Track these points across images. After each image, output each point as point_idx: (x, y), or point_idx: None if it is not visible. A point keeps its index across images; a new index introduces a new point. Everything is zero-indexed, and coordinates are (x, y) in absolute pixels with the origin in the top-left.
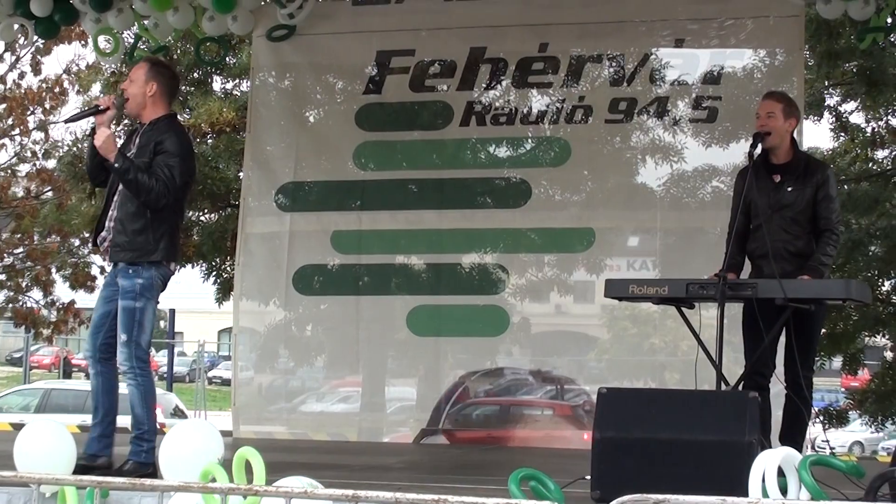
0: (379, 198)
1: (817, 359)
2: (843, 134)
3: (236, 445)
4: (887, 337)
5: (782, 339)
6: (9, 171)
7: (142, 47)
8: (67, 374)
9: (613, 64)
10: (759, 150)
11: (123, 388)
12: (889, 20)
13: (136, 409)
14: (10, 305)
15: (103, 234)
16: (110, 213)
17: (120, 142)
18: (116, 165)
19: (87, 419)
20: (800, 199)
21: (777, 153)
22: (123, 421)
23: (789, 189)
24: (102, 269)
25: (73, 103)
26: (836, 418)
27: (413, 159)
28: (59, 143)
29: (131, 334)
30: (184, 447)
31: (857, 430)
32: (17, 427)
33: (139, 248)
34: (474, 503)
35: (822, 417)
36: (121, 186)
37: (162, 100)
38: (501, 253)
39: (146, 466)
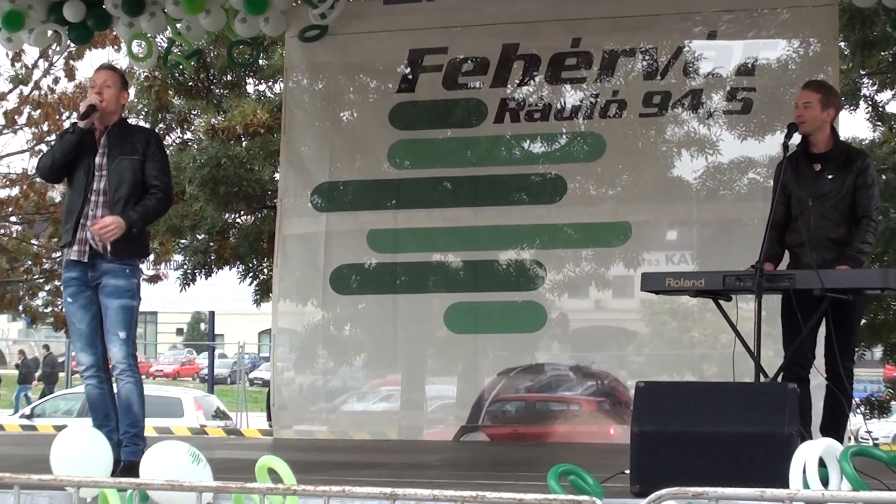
0: (414, 196)
1: (857, 349)
2: (879, 123)
3: (277, 446)
4: None
5: (822, 329)
6: None
7: (175, 51)
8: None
9: (646, 57)
10: (794, 140)
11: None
12: None
13: (134, 406)
14: (51, 309)
15: (79, 233)
16: (91, 212)
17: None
18: (134, 229)
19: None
20: (840, 187)
21: (817, 143)
22: None
23: (830, 177)
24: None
25: None
26: (877, 408)
27: (448, 157)
28: None
29: (129, 332)
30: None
31: None
32: (61, 430)
33: (141, 245)
34: (512, 499)
35: (863, 408)
36: (101, 185)
37: (122, 108)
38: (538, 249)
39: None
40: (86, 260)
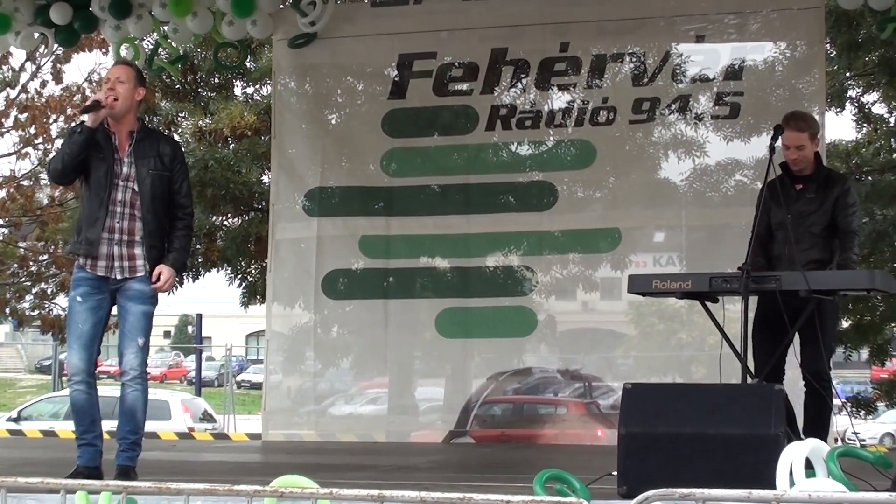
0: (407, 203)
1: (843, 351)
2: (865, 125)
3: (266, 448)
4: None
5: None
6: (32, 180)
7: (161, 55)
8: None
9: (634, 59)
10: (780, 142)
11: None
12: None
13: (138, 414)
14: (38, 312)
15: (104, 248)
16: (117, 224)
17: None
18: (182, 267)
19: (116, 425)
20: (819, 206)
21: (802, 168)
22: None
23: (810, 196)
24: None
25: None
26: (864, 408)
27: (440, 164)
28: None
29: (147, 338)
30: None
31: (889, 422)
32: (48, 434)
33: (161, 257)
34: (500, 501)
35: (849, 407)
36: (126, 195)
37: (138, 106)
38: (529, 255)
39: (134, 470)
40: (118, 277)
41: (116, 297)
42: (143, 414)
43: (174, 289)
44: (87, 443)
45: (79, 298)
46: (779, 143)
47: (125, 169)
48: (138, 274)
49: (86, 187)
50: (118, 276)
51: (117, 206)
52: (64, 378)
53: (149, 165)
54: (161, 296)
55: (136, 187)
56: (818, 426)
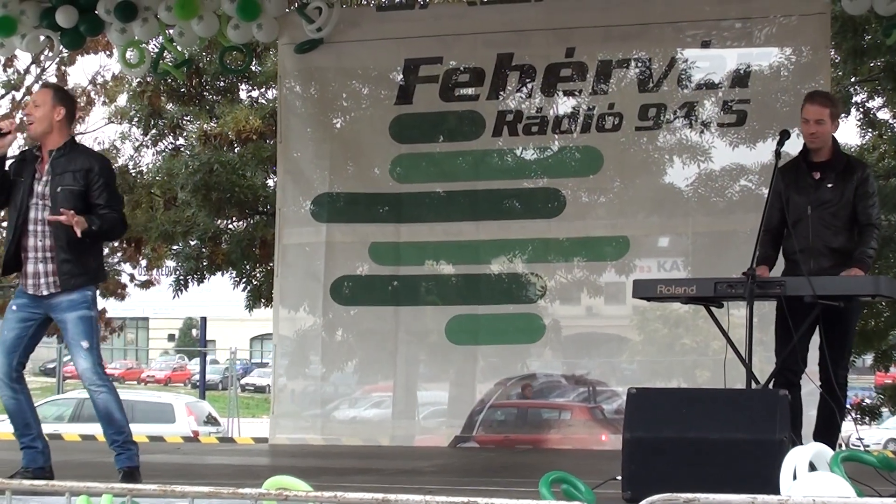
0: (415, 209)
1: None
2: (870, 130)
3: (271, 452)
4: None
5: (815, 337)
6: None
7: (167, 58)
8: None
9: (640, 65)
10: (786, 147)
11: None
12: None
13: (115, 414)
14: None
15: (30, 266)
16: (39, 242)
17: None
18: (94, 229)
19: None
20: (840, 196)
21: (819, 152)
22: None
23: (829, 186)
24: (132, 277)
25: (100, 114)
26: (868, 414)
27: (448, 171)
28: None
29: (92, 341)
30: None
31: (893, 428)
32: (53, 437)
33: (89, 271)
34: None
35: (854, 413)
36: (43, 214)
37: (66, 125)
38: (538, 262)
39: (138, 469)
40: (42, 294)
41: (52, 316)
42: (120, 413)
43: (179, 291)
44: (26, 445)
45: (13, 307)
46: (782, 146)
47: (41, 188)
48: (62, 287)
49: (8, 208)
50: (45, 293)
51: (38, 224)
52: (68, 381)
53: (61, 181)
54: (166, 299)
55: (50, 204)
56: (828, 430)
